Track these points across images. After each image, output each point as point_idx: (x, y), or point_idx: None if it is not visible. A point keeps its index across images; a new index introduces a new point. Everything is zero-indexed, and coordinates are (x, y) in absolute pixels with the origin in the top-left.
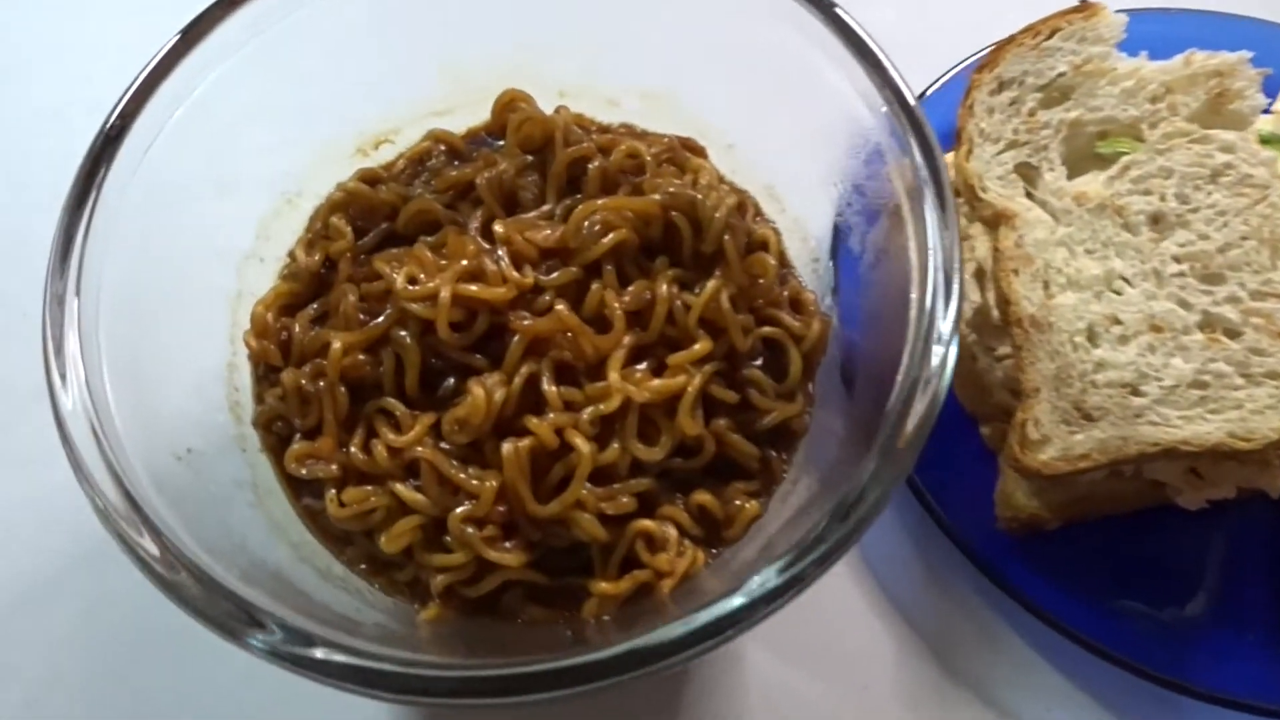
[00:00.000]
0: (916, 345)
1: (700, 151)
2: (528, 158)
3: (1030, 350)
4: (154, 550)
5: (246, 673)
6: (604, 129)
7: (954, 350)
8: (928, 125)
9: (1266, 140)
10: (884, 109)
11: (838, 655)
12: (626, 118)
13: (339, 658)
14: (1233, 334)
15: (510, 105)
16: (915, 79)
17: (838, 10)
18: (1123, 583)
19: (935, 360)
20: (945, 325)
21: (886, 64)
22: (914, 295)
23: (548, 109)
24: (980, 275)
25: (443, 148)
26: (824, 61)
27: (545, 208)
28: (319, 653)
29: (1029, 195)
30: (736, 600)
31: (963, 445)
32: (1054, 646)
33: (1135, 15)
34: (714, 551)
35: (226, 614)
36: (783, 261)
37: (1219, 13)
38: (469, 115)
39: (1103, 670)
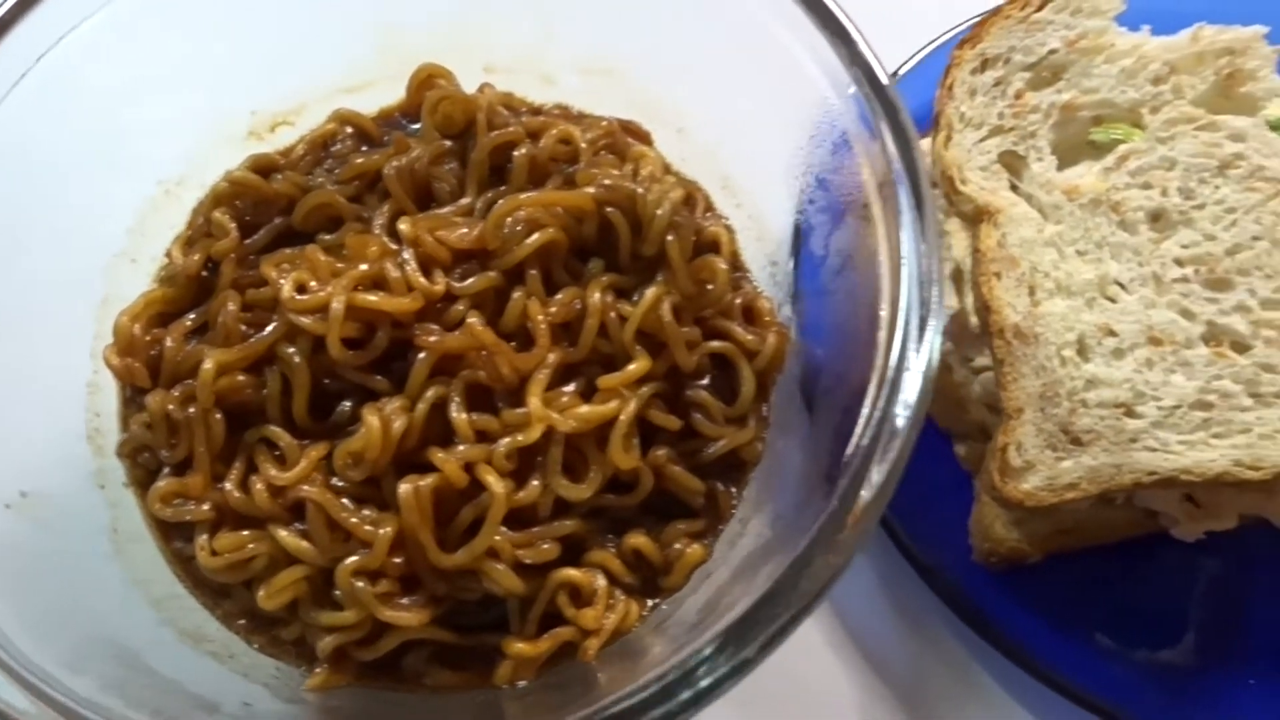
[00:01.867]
0: (885, 375)
1: (645, 137)
2: (446, 143)
3: (1013, 365)
4: None
5: None
6: (536, 110)
7: (926, 383)
8: (903, 109)
9: (1277, 127)
10: (851, 89)
11: (793, 703)
12: (564, 97)
13: None
14: (1241, 348)
15: (427, 82)
16: (889, 55)
17: None
18: (1112, 621)
19: (907, 395)
20: (919, 354)
21: (855, 36)
22: (884, 313)
23: (473, 86)
24: (958, 277)
25: (350, 130)
26: (786, 33)
27: (464, 201)
28: None
29: (1014, 188)
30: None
31: (936, 465)
32: (1036, 692)
33: None
34: (651, 602)
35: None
36: (736, 264)
37: None
38: (383, 93)
39: None
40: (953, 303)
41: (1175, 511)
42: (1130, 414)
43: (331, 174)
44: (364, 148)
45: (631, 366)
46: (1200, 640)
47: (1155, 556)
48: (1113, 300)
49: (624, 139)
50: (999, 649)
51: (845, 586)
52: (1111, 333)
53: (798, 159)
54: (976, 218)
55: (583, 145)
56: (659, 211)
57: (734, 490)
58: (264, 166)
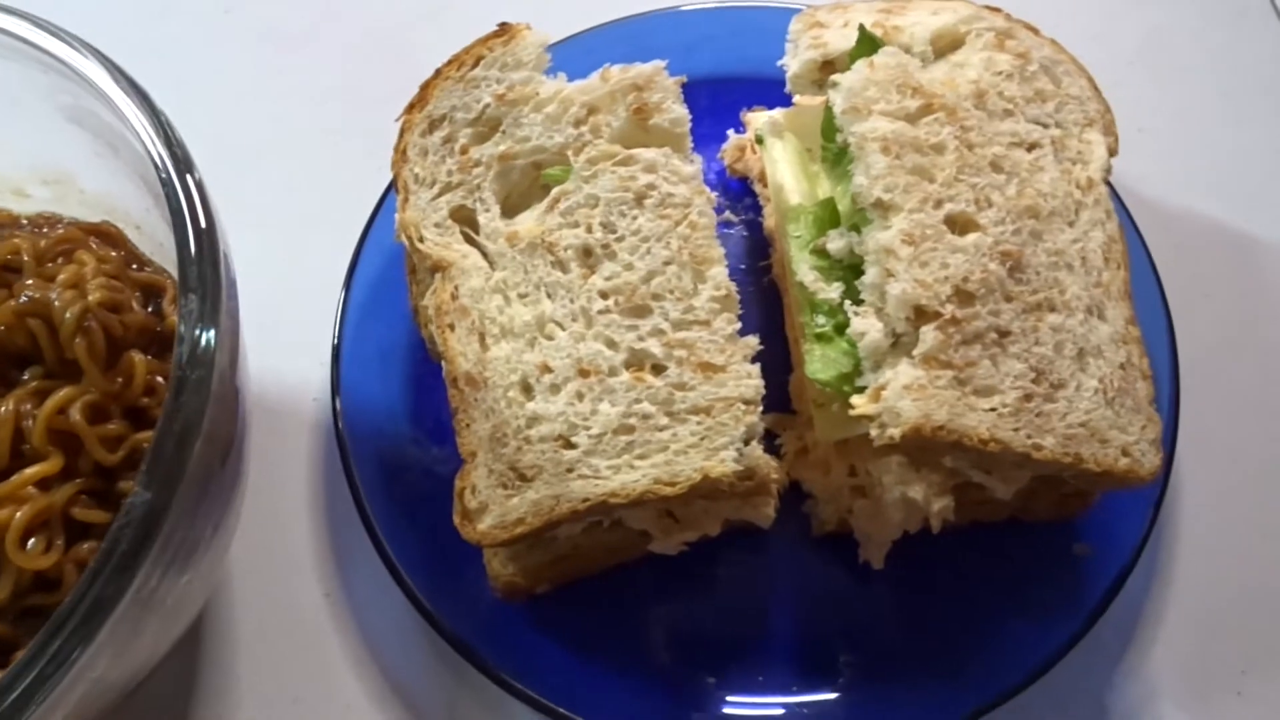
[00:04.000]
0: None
1: (114, 236)
2: None
3: (466, 411)
4: None
5: None
6: (16, 222)
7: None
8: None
9: (760, 139)
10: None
11: None
12: (44, 206)
13: None
14: (658, 369)
15: None
16: None
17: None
18: (622, 645)
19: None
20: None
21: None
22: None
23: None
24: None
25: None
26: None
27: None
28: None
29: (472, 241)
30: None
31: None
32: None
33: (572, 40)
34: None
35: None
36: None
37: (660, 10)
38: None
39: None
40: None
41: (653, 527)
42: (567, 445)
43: None
44: None
45: (28, 470)
46: (719, 651)
47: (681, 573)
48: (550, 338)
49: (84, 244)
50: (498, 684)
51: (382, 631)
52: (549, 369)
53: None
54: (436, 272)
55: (25, 259)
56: (66, 317)
57: None
58: None
